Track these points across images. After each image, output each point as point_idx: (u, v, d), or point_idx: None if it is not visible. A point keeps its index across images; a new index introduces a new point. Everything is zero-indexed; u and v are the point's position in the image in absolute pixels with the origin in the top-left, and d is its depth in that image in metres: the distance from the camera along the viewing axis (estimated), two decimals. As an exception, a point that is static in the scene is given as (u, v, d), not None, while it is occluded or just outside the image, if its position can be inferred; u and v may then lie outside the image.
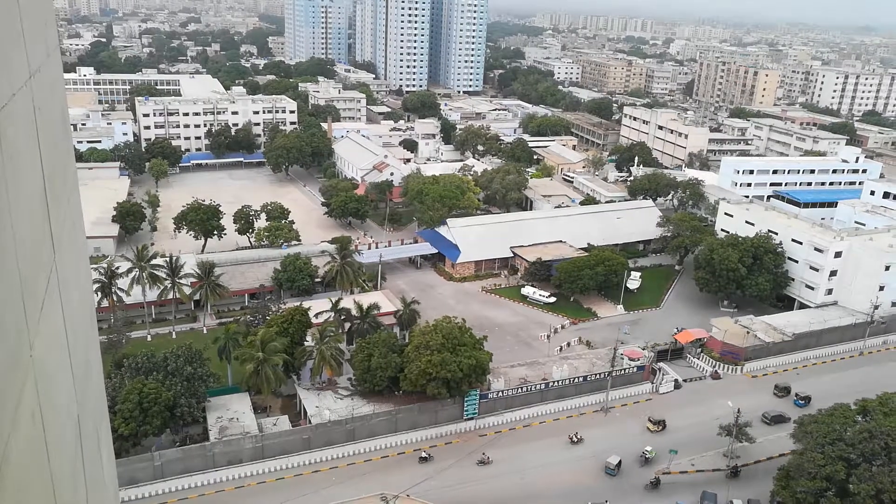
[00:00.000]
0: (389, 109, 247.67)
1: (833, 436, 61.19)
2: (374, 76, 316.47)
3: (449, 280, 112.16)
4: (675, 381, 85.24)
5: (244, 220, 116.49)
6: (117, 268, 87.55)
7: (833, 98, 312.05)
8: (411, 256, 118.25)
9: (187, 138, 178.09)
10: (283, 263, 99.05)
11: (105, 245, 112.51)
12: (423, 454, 70.10)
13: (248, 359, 70.83)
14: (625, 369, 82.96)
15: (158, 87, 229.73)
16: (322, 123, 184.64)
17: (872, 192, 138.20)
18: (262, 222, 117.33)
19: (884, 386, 76.87)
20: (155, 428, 63.03)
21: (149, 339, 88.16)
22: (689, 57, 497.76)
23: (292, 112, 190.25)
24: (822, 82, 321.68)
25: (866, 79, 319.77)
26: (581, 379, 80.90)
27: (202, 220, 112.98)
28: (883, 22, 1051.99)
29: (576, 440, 73.13)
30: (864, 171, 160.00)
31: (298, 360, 75.57)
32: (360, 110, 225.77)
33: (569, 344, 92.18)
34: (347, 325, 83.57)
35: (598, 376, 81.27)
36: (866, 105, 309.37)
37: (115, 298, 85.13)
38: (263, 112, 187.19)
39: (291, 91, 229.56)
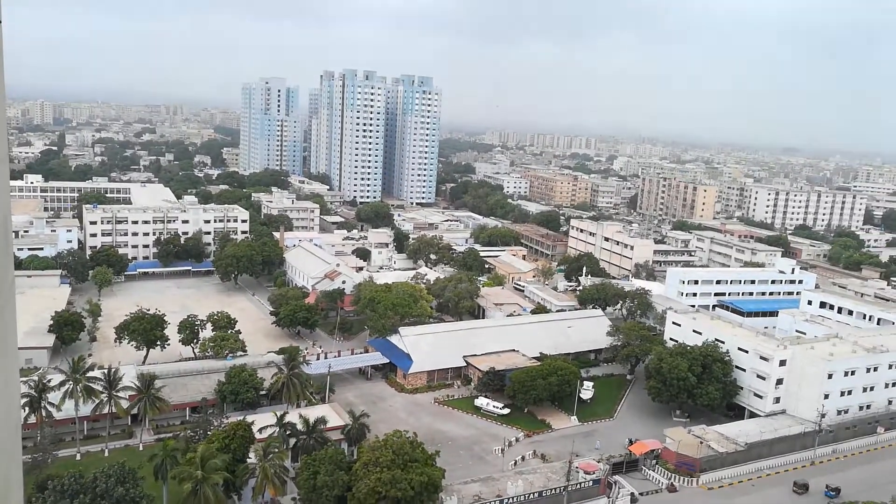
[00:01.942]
0: (343, 219, 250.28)
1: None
2: (328, 187, 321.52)
3: (400, 391, 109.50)
4: (632, 494, 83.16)
5: (189, 329, 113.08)
6: (49, 380, 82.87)
7: (767, 212, 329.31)
8: (362, 367, 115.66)
9: (135, 246, 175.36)
10: (227, 375, 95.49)
11: (38, 356, 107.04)
12: None
13: (186, 478, 66.50)
14: (580, 483, 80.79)
15: (108, 196, 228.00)
16: (274, 233, 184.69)
17: (810, 302, 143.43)
18: (207, 332, 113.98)
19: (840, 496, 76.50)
20: (77, 559, 57.65)
21: (78, 457, 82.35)
22: (631, 173, 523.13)
23: (244, 221, 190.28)
24: (756, 198, 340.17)
25: (795, 195, 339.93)
26: (536, 495, 78.29)
27: (145, 329, 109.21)
28: (806, 144, 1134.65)
29: None
30: (801, 281, 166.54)
31: (240, 478, 71.39)
32: (313, 220, 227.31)
33: (523, 458, 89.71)
34: (293, 441, 79.87)
35: (553, 491, 78.80)
36: (797, 220, 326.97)
37: (43, 414, 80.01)
38: (215, 221, 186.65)
39: (244, 201, 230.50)
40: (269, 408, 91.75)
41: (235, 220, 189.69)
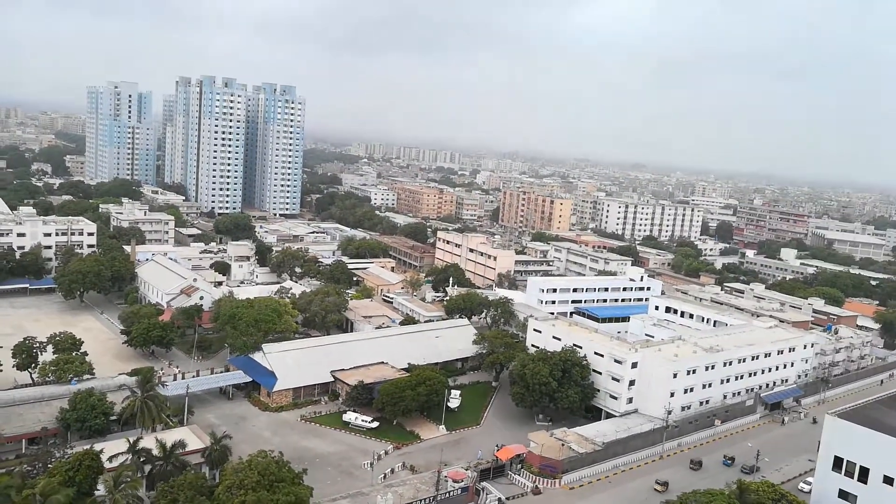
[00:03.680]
0: (200, 232, 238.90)
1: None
2: (184, 198, 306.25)
3: (265, 410, 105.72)
4: (499, 499, 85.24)
5: (26, 353, 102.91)
6: None
7: (618, 224, 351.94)
8: (222, 387, 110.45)
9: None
10: (71, 401, 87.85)
11: None
12: None
13: (22, 518, 60.35)
14: (449, 492, 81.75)
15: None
16: (125, 246, 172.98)
17: (657, 308, 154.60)
18: (48, 355, 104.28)
19: (683, 486, 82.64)
20: None
21: None
22: (493, 186, 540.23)
23: (91, 234, 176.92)
24: (608, 211, 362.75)
25: (643, 208, 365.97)
26: (406, 506, 78.25)
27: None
28: (651, 160, 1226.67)
29: None
30: (649, 288, 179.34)
31: (86, 513, 65.75)
32: (167, 232, 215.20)
33: (393, 470, 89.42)
34: (148, 468, 74.82)
35: (423, 502, 79.13)
36: (645, 230, 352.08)
37: None
38: (57, 234, 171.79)
39: (91, 212, 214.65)
40: (122, 434, 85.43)
41: (81, 234, 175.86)
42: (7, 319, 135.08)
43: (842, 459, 75.51)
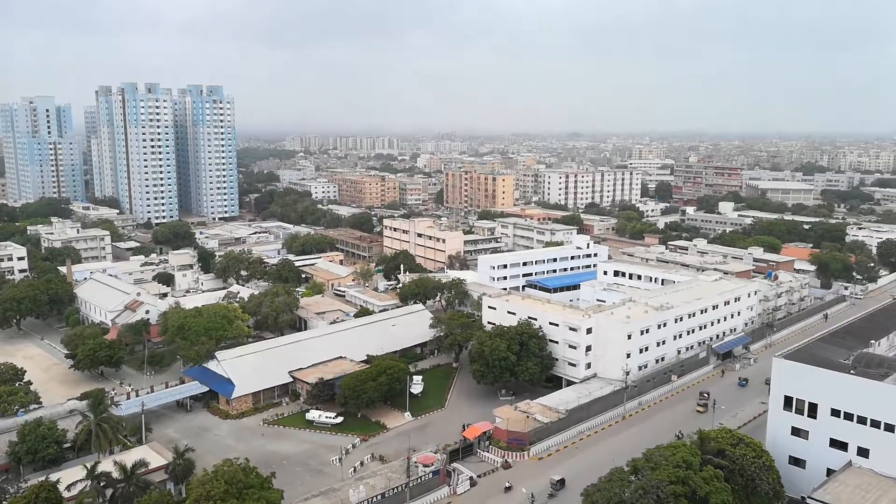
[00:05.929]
0: (139, 244, 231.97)
1: (615, 499, 65.93)
2: (118, 211, 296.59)
3: (226, 418, 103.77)
4: (471, 478, 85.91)
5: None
6: None
7: (560, 195, 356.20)
8: (180, 399, 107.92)
9: None
10: (20, 433, 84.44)
11: None
12: None
13: (-20, 560, 57.92)
14: (420, 477, 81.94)
15: None
16: (60, 267, 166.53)
17: (605, 272, 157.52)
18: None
19: (647, 442, 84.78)
20: None
21: None
22: (435, 169, 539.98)
23: (21, 259, 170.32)
24: (549, 182, 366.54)
25: (583, 176, 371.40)
26: (380, 497, 78.10)
27: None
28: (587, 129, 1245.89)
29: None
30: (596, 254, 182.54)
31: (49, 547, 63.56)
32: (104, 248, 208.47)
33: (362, 463, 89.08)
34: (110, 492, 72.63)
35: (395, 490, 79.15)
36: (587, 198, 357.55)
37: None
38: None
39: (19, 236, 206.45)
40: (78, 461, 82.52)
41: (10, 259, 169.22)
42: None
43: (791, 398, 78.67)
